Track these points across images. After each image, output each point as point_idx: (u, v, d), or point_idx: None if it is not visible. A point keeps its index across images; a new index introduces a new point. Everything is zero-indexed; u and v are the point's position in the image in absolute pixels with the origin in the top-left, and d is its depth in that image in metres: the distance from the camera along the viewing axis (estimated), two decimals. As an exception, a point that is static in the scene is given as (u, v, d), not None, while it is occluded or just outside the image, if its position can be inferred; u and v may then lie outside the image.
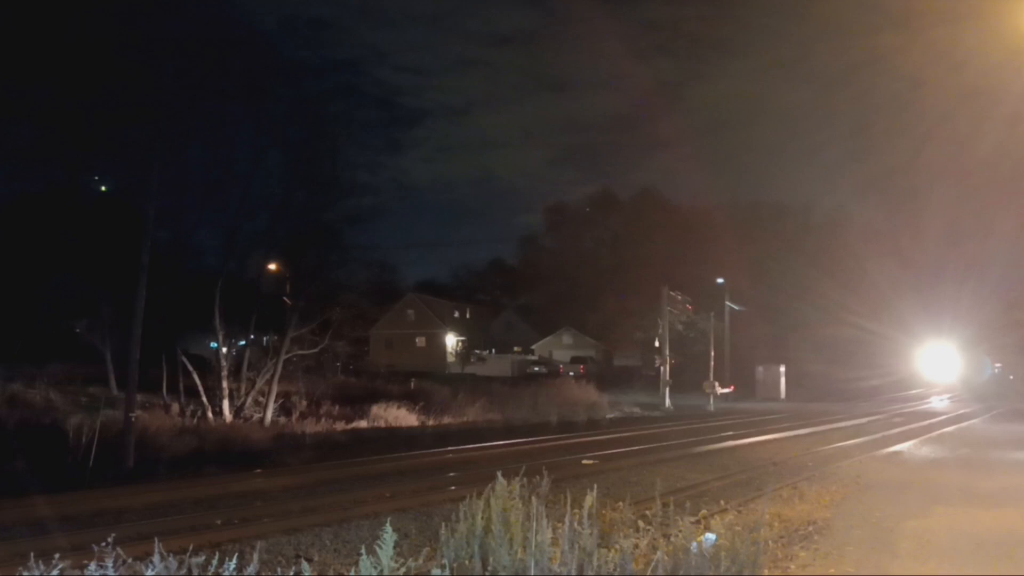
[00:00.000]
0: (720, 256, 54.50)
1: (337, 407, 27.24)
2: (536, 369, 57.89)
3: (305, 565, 4.74)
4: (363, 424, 25.80)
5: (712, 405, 42.00)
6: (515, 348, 67.98)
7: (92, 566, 4.63)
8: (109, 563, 4.63)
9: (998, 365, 63.89)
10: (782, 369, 53.20)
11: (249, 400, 25.34)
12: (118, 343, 26.36)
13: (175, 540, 7.98)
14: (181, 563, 4.67)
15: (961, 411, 38.13)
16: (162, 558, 4.62)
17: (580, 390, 37.31)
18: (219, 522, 11.11)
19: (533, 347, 68.42)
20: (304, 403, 27.12)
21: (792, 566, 7.78)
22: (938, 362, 60.91)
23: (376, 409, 27.27)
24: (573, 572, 4.98)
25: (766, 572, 6.31)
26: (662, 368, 43.77)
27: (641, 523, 6.82)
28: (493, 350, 66.71)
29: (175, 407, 23.84)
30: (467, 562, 5.28)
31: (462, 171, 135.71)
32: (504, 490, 5.64)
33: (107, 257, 25.00)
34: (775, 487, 13.40)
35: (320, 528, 10.24)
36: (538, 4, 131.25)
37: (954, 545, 8.95)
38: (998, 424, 30.46)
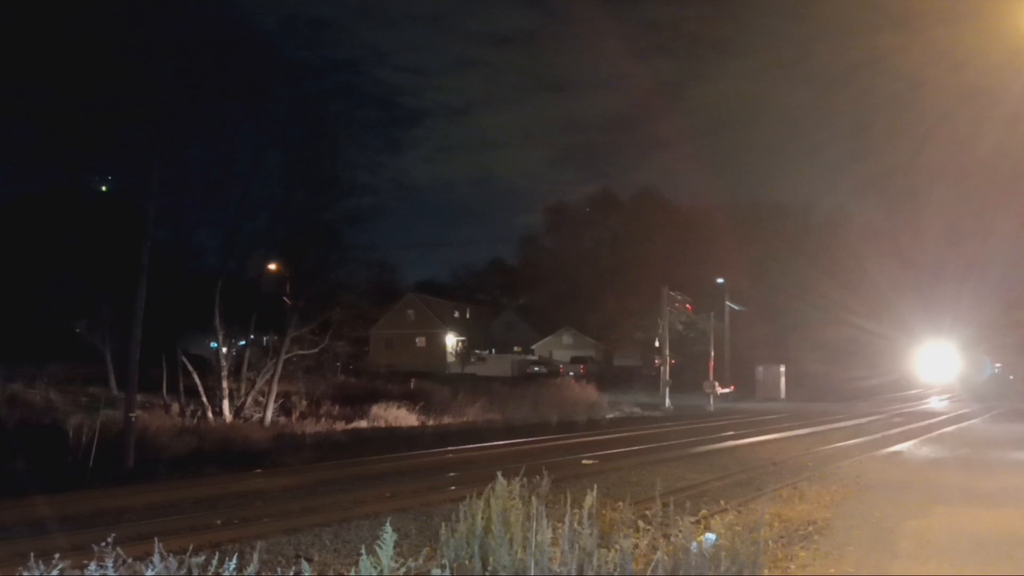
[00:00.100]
0: (720, 256, 54.51)
1: (337, 407, 27.23)
2: (536, 369, 57.89)
3: (305, 565, 4.74)
4: (363, 424, 25.80)
5: (712, 405, 42.00)
6: (515, 348, 67.99)
7: (92, 566, 4.63)
8: (109, 563, 4.63)
9: (998, 365, 63.91)
10: (782, 369, 53.20)
11: (249, 400, 25.34)
12: (118, 343, 26.36)
13: (175, 540, 7.98)
14: (181, 563, 4.67)
15: (961, 411, 38.13)
16: (162, 558, 4.62)
17: (580, 390, 37.32)
18: (219, 522, 11.11)
19: (533, 347, 68.43)
20: (304, 403, 27.12)
21: (792, 566, 7.78)
22: (938, 362, 60.92)
23: (376, 409, 27.26)
24: (573, 572, 4.98)
25: (766, 572, 6.30)
26: (662, 368, 43.78)
27: (641, 523, 6.82)
28: (493, 350, 66.71)
29: (175, 407, 23.84)
30: (467, 562, 5.28)
31: (462, 171, 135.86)
32: (504, 490, 5.65)
33: (107, 257, 25.00)
34: (775, 487, 13.40)
35: (320, 528, 10.24)
36: (538, 4, 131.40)
37: (954, 545, 8.95)
38: (998, 424, 30.46)
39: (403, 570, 4.65)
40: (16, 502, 11.95)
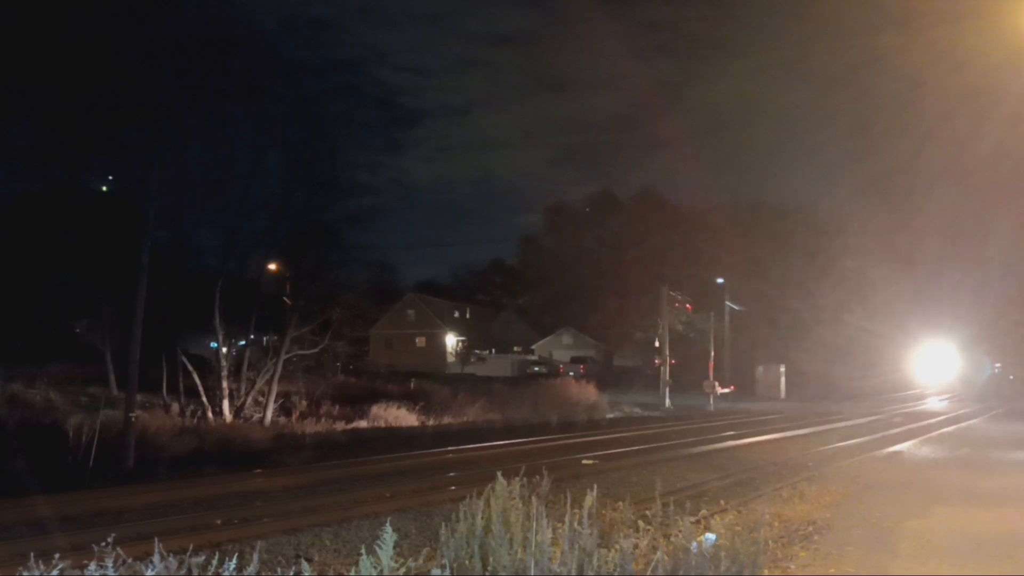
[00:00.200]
0: (720, 256, 54.50)
1: (337, 407, 27.22)
2: (536, 369, 57.85)
3: (305, 565, 4.74)
4: (363, 424, 25.79)
5: (712, 405, 42.01)
6: (515, 348, 67.94)
7: (92, 566, 4.63)
8: (109, 563, 4.63)
9: (998, 365, 63.94)
10: (782, 369, 53.21)
11: (249, 400, 25.33)
12: (118, 343, 26.35)
13: (175, 540, 7.98)
14: (181, 563, 4.67)
15: (961, 411, 38.13)
16: (162, 558, 4.62)
17: (580, 390, 37.28)
18: (219, 522, 11.11)
19: (533, 347, 68.41)
20: (304, 403, 27.10)
21: (792, 566, 7.78)
22: (938, 362, 60.93)
23: (376, 409, 27.25)
24: (573, 572, 4.98)
25: (766, 572, 6.31)
26: (662, 368, 43.77)
27: (641, 523, 6.83)
28: (493, 350, 66.67)
29: (175, 407, 23.83)
30: (467, 562, 5.28)
31: (462, 171, 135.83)
32: (504, 490, 5.65)
33: (107, 257, 25.00)
34: (775, 487, 13.40)
35: (320, 528, 10.24)
36: (538, 4, 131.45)
37: (954, 545, 8.95)
38: (998, 424, 30.47)
39: (403, 570, 4.65)
40: (16, 502, 11.95)
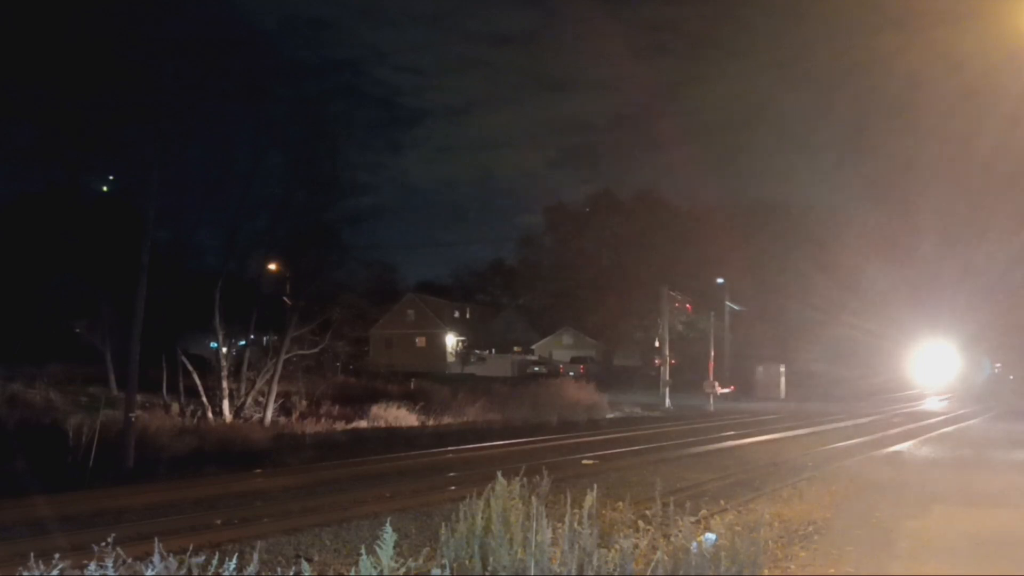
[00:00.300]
0: (720, 256, 54.50)
1: (337, 407, 27.22)
2: (536, 369, 57.84)
3: (305, 565, 4.74)
4: (363, 424, 25.79)
5: (712, 405, 41.99)
6: (515, 348, 67.92)
7: (92, 566, 4.63)
8: (109, 563, 4.63)
9: (998, 365, 63.95)
10: (782, 369, 53.20)
11: (249, 400, 25.33)
12: (118, 343, 26.36)
13: (175, 540, 7.98)
14: (181, 563, 4.67)
15: (960, 411, 38.14)
16: (162, 558, 4.62)
17: (580, 390, 37.25)
18: (219, 522, 11.11)
19: (533, 347, 68.41)
20: (304, 403, 27.10)
21: (792, 566, 7.79)
22: (937, 362, 60.93)
23: (376, 409, 27.24)
24: (573, 572, 4.98)
25: (766, 572, 6.31)
26: (662, 368, 43.76)
27: (641, 523, 6.83)
28: (493, 350, 66.67)
29: (175, 407, 23.83)
30: (467, 562, 5.28)
31: (462, 171, 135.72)
32: (504, 490, 5.65)
33: (107, 257, 25.00)
34: (775, 487, 13.41)
35: (320, 528, 10.24)
36: (538, 4, 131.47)
37: (953, 545, 8.95)
38: (998, 424, 30.47)
39: (403, 570, 4.65)
40: (16, 502, 11.96)
